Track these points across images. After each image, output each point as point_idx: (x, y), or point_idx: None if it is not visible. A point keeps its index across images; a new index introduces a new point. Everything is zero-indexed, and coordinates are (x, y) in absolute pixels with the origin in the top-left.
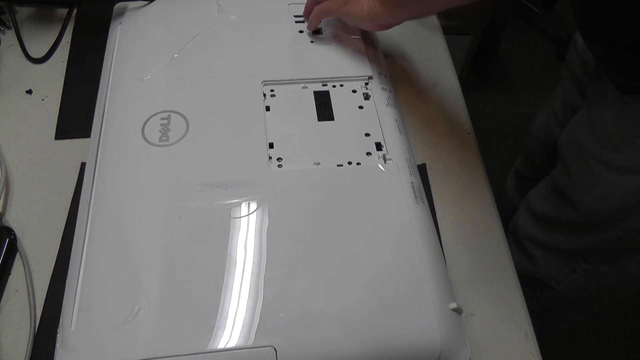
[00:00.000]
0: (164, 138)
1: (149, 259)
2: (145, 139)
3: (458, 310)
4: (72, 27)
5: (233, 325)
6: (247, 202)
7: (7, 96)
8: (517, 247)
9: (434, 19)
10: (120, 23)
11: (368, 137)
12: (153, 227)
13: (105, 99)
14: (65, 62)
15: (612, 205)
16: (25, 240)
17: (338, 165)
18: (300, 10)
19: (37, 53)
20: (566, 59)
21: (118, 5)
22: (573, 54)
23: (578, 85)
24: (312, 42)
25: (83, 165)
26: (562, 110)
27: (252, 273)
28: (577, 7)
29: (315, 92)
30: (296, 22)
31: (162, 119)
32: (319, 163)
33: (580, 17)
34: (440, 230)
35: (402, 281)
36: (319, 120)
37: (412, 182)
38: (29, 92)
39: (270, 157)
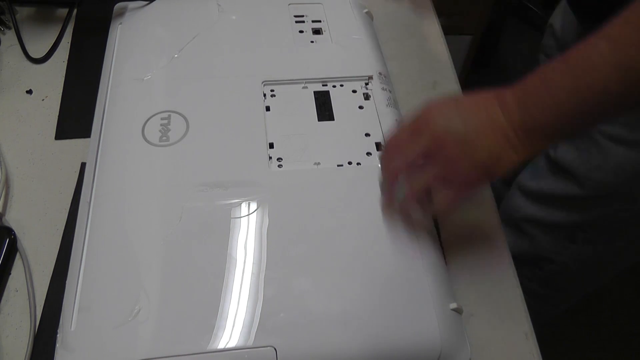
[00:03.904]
0: (164, 138)
1: (149, 259)
2: (145, 139)
3: (458, 310)
4: (72, 27)
5: (233, 325)
6: (247, 202)
7: (7, 96)
8: (513, 229)
9: (433, 19)
10: (120, 23)
11: (368, 137)
12: (153, 227)
13: (105, 99)
14: (65, 62)
15: (622, 180)
16: (25, 240)
17: (338, 166)
18: (301, 10)
19: (37, 53)
20: (542, 44)
21: (118, 5)
22: (550, 39)
23: None
24: (312, 42)
25: (83, 165)
26: None
27: (252, 273)
28: None
29: (315, 92)
30: (296, 22)
31: (162, 119)
32: (319, 163)
33: None
34: (440, 230)
35: (402, 281)
36: (319, 120)
37: None
38: (29, 92)
39: (270, 157)
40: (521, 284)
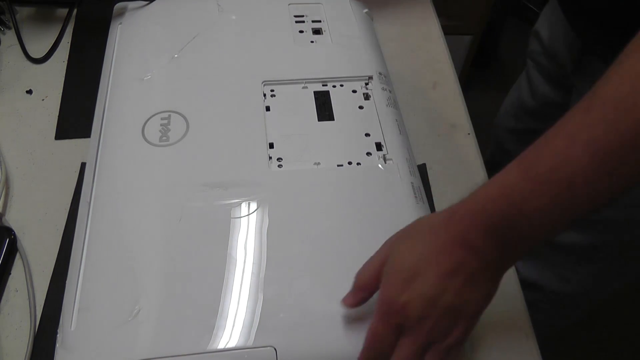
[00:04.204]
0: (164, 138)
1: (149, 259)
2: (145, 139)
3: None
4: (72, 27)
5: (233, 325)
6: (247, 202)
7: (7, 96)
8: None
9: (434, 19)
10: (120, 23)
11: (368, 137)
12: (153, 227)
13: (105, 99)
14: (65, 62)
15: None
16: (25, 240)
17: (338, 165)
18: (301, 10)
19: (37, 53)
20: (528, 50)
21: (118, 5)
22: (536, 46)
23: (547, 77)
24: (312, 42)
25: (83, 165)
26: (531, 99)
27: (252, 273)
28: None
29: (315, 92)
30: (296, 22)
31: (162, 119)
32: (319, 163)
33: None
34: None
35: None
36: (319, 120)
37: (412, 182)
38: (29, 92)
39: (270, 157)
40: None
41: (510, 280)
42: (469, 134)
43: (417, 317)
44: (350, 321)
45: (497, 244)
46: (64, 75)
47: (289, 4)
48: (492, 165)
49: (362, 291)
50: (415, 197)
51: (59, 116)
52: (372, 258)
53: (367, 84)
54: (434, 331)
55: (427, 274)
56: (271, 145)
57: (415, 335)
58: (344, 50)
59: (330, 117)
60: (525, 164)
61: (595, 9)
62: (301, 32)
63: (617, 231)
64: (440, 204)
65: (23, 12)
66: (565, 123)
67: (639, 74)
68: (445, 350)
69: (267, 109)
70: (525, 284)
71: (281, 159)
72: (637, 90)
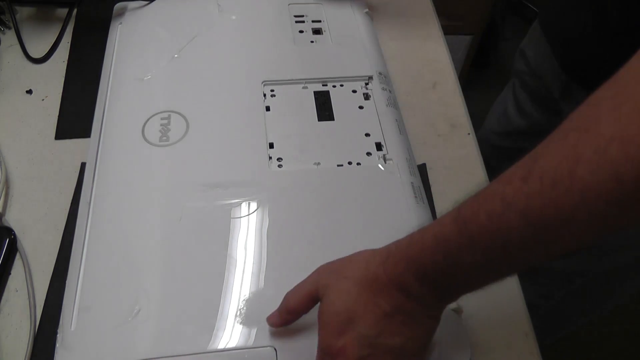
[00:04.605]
0: (164, 138)
1: (149, 259)
2: (145, 139)
3: (458, 311)
4: (72, 27)
5: (233, 325)
6: (247, 202)
7: (7, 96)
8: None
9: (434, 19)
10: (120, 23)
11: (368, 137)
12: (153, 227)
13: (105, 99)
14: (65, 62)
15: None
16: (25, 240)
17: (338, 165)
18: (301, 10)
19: (37, 53)
20: (514, 69)
21: (118, 5)
22: (522, 65)
23: (534, 97)
24: (312, 42)
25: (83, 165)
26: (518, 117)
27: (252, 273)
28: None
29: (315, 92)
30: (296, 22)
31: (162, 119)
32: (319, 163)
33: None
34: None
35: None
36: (319, 120)
37: (412, 182)
38: (29, 92)
39: (270, 157)
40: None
41: (510, 280)
42: (469, 134)
43: (358, 359)
44: None
45: (434, 289)
46: (64, 75)
47: (289, 4)
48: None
49: (289, 314)
50: (415, 197)
51: (59, 116)
52: (303, 283)
53: (367, 84)
54: None
55: (365, 316)
56: (271, 145)
57: None
58: (344, 50)
59: (330, 117)
60: (461, 220)
61: (571, 38)
62: (301, 32)
63: (595, 261)
64: (440, 204)
65: (23, 12)
66: (503, 185)
67: (578, 156)
68: None
69: (267, 109)
70: None
71: (281, 159)
72: (573, 172)
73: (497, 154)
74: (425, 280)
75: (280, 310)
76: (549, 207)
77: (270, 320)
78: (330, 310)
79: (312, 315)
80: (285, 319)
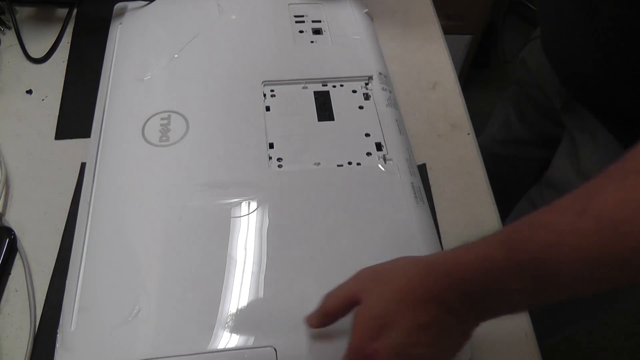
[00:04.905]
0: (164, 138)
1: (149, 259)
2: (145, 139)
3: None
4: (72, 27)
5: (233, 325)
6: (247, 202)
7: (7, 96)
8: None
9: (434, 19)
10: (120, 23)
11: (368, 138)
12: (153, 227)
13: (105, 99)
14: (65, 62)
15: None
16: (25, 240)
17: (338, 166)
18: (301, 10)
19: (37, 53)
20: (515, 78)
21: (118, 5)
22: (523, 74)
23: (537, 106)
24: (312, 42)
25: (83, 165)
26: (520, 126)
27: (252, 273)
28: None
29: (315, 92)
30: (296, 22)
31: (162, 119)
32: (319, 163)
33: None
34: (440, 230)
35: None
36: (319, 120)
37: (412, 182)
38: (29, 92)
39: (270, 157)
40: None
41: None
42: (469, 134)
43: None
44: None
45: (474, 308)
46: (64, 75)
47: (289, 4)
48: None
49: (327, 317)
50: (415, 197)
51: (59, 116)
52: (342, 286)
53: (367, 84)
54: None
55: (400, 323)
56: (271, 145)
57: None
58: (344, 50)
59: (330, 117)
60: (510, 246)
61: (571, 60)
62: (301, 32)
63: None
64: (440, 204)
65: (23, 12)
66: (556, 217)
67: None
68: None
69: (267, 109)
70: None
71: (281, 159)
72: (634, 217)
73: (499, 162)
74: (467, 299)
75: (318, 312)
76: (606, 248)
77: (309, 322)
78: (368, 313)
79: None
80: (323, 322)
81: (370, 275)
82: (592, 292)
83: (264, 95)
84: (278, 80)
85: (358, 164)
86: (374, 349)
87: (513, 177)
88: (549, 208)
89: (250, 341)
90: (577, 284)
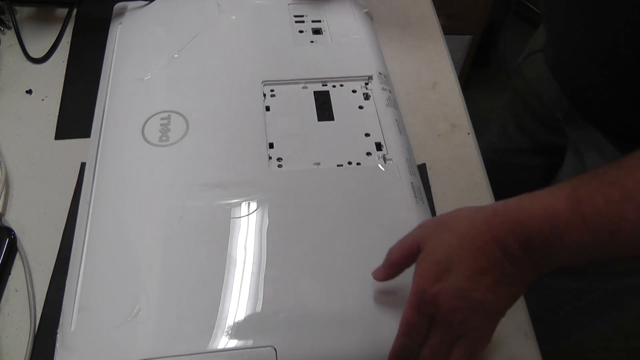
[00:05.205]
0: (164, 138)
1: (148, 259)
2: (145, 139)
3: None
4: (72, 27)
5: (233, 325)
6: (247, 202)
7: (7, 96)
8: None
9: (434, 19)
10: (120, 23)
11: (368, 137)
12: (153, 227)
13: (105, 99)
14: (65, 62)
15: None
16: (25, 240)
17: (338, 166)
18: (300, 10)
19: (37, 53)
20: (513, 86)
21: (118, 5)
22: (520, 83)
23: (535, 116)
24: (312, 42)
25: (83, 165)
26: (519, 135)
27: (252, 273)
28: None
29: (315, 92)
30: (296, 22)
31: (162, 119)
32: (319, 163)
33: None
34: None
35: (402, 281)
36: (319, 120)
37: (412, 182)
38: (29, 92)
39: (270, 157)
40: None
41: None
42: (468, 134)
43: (448, 309)
44: (350, 321)
45: (532, 256)
46: (64, 75)
47: (288, 4)
48: None
49: (393, 268)
50: (415, 197)
51: (58, 116)
52: (405, 237)
53: (367, 83)
54: (463, 324)
55: (462, 268)
56: (271, 145)
57: (445, 327)
58: (344, 50)
59: (330, 117)
60: (576, 199)
61: (580, 81)
62: (301, 32)
63: (605, 281)
64: (440, 204)
65: (23, 12)
66: (625, 174)
67: None
68: (473, 344)
69: (267, 109)
70: None
71: (281, 159)
72: None
73: (497, 170)
74: (528, 245)
75: (384, 264)
76: None
77: (375, 274)
78: (430, 258)
79: (312, 313)
80: (389, 273)
81: (434, 223)
82: None
83: (264, 95)
84: (278, 80)
85: (358, 163)
86: (435, 293)
87: (512, 185)
88: (617, 165)
89: (250, 341)
90: (632, 242)
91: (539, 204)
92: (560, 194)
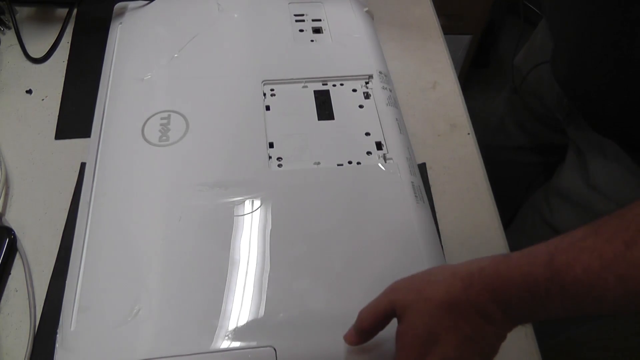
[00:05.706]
0: (164, 138)
1: (149, 259)
2: (145, 139)
3: None
4: (72, 27)
5: (233, 325)
6: (247, 201)
7: (7, 96)
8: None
9: (434, 19)
10: (120, 23)
11: (368, 137)
12: (153, 227)
13: (105, 99)
14: (65, 62)
15: None
16: (25, 240)
17: (338, 165)
18: (300, 9)
19: (37, 53)
20: (511, 85)
21: (118, 5)
22: (518, 81)
23: (535, 114)
24: (312, 41)
25: (83, 165)
26: (518, 133)
27: (252, 273)
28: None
29: (315, 92)
30: (296, 21)
31: (162, 118)
32: (319, 163)
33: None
34: (440, 230)
35: None
36: (319, 119)
37: (412, 182)
38: (29, 92)
39: (270, 157)
40: None
41: None
42: (468, 133)
43: None
44: (350, 321)
45: (513, 317)
46: (64, 75)
47: (289, 3)
48: None
49: (365, 334)
50: (415, 196)
51: (59, 116)
52: (377, 301)
53: (367, 83)
54: None
55: (448, 338)
56: (271, 145)
57: None
58: (344, 49)
59: (330, 116)
60: (555, 268)
61: (589, 89)
62: (301, 31)
63: None
64: (440, 204)
65: (23, 12)
66: (602, 242)
67: None
68: None
69: (267, 108)
70: None
71: (281, 158)
72: None
73: (495, 167)
74: (507, 310)
75: (355, 329)
76: None
77: (348, 339)
78: (412, 332)
79: (312, 313)
80: (362, 340)
81: (407, 287)
82: (631, 312)
83: (264, 94)
84: (278, 80)
85: (358, 163)
86: None
87: (511, 182)
88: (593, 230)
89: (250, 341)
90: (618, 307)
91: (516, 271)
92: (537, 261)
